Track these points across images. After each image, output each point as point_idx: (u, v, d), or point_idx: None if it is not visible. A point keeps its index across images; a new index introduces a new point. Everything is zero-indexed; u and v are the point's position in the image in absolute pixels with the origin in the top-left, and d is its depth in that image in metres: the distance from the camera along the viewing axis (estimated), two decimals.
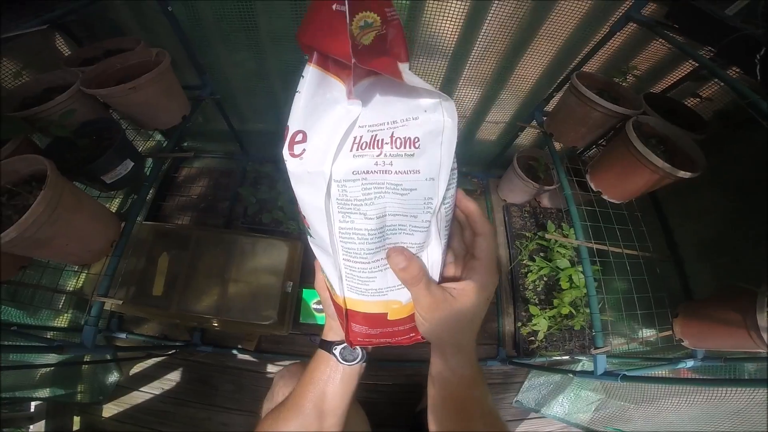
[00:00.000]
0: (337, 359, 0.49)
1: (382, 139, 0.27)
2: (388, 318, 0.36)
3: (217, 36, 1.11)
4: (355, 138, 0.27)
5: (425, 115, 0.27)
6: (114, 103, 0.94)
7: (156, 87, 0.92)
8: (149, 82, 0.88)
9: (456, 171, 0.31)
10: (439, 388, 0.41)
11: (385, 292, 0.35)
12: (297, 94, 0.28)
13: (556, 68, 1.18)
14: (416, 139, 0.27)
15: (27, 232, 0.63)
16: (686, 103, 1.05)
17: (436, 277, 0.35)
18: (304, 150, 0.27)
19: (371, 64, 0.25)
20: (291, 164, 0.28)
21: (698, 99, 1.03)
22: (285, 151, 0.28)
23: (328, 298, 0.41)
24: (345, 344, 0.47)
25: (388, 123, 0.27)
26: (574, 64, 1.14)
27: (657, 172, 0.86)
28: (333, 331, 0.50)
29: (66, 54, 1.07)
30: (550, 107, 1.24)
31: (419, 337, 0.39)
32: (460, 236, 0.38)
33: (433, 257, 0.34)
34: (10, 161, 0.71)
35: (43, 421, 1.17)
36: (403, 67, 0.27)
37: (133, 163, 0.95)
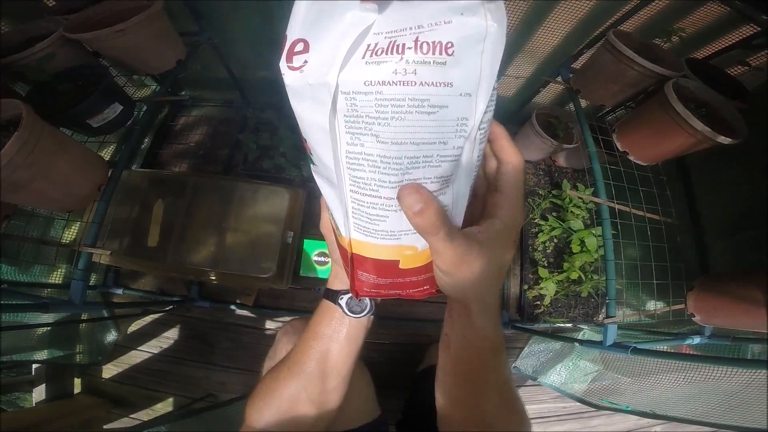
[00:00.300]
0: (343, 310, 0.44)
1: (404, 44, 0.21)
2: (400, 266, 0.31)
3: None
4: (368, 45, 0.22)
5: (461, 19, 0.21)
6: (102, 48, 0.90)
7: (147, 30, 0.88)
8: (139, 24, 0.84)
9: (496, 91, 0.25)
10: (457, 351, 0.36)
11: (398, 235, 0.29)
12: None
13: (590, 24, 1.08)
14: (449, 44, 0.21)
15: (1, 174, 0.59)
16: (730, 71, 0.97)
17: (460, 218, 0.29)
18: (306, 62, 0.23)
19: None
20: (289, 78, 0.24)
21: (747, 67, 0.95)
22: (282, 64, 0.24)
23: (334, 241, 0.37)
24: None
25: (411, 28, 0.21)
26: (610, 21, 1.04)
27: (695, 136, 0.80)
28: (339, 280, 0.45)
29: (51, 5, 1.00)
30: (578, 64, 1.15)
31: (434, 290, 0.34)
32: (481, 167, 0.31)
33: (458, 192, 0.28)
34: None
35: (44, 385, 1.17)
36: None
37: (122, 107, 0.91)
